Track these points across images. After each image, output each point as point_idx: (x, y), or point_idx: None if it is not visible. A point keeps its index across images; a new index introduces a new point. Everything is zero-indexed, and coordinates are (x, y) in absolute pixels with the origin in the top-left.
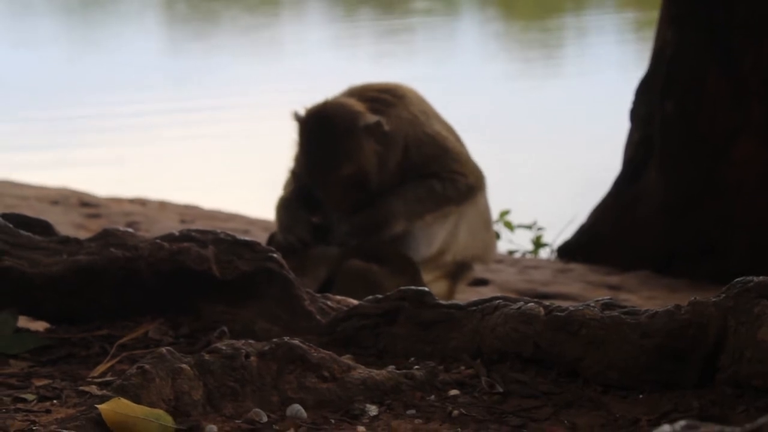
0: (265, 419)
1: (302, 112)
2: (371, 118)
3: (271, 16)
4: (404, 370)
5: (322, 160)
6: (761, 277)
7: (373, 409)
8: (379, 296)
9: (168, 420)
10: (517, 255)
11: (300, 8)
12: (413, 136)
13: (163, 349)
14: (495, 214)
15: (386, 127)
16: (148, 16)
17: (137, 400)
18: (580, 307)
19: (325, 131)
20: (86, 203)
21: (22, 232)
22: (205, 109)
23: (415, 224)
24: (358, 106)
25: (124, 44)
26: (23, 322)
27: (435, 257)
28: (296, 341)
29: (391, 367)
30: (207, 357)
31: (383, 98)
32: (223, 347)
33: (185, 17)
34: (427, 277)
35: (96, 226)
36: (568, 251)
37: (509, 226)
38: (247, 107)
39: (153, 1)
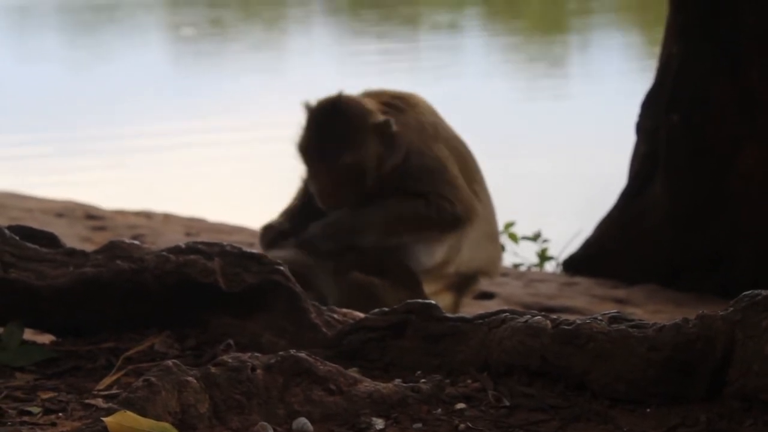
0: None
1: (313, 102)
2: (381, 117)
3: (277, 32)
4: (411, 384)
5: (325, 146)
6: None
7: (379, 423)
8: (386, 309)
9: None
10: (523, 268)
11: (306, 24)
12: (416, 145)
13: (170, 362)
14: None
15: (394, 128)
16: (153, 32)
17: (143, 413)
18: (588, 321)
19: (334, 119)
20: (91, 216)
21: (29, 244)
22: (210, 122)
23: (390, 241)
24: (370, 104)
25: (129, 59)
26: (29, 334)
27: (437, 268)
28: (303, 354)
29: (397, 381)
30: (213, 370)
31: (395, 104)
32: (230, 360)
33: (188, 30)
34: (430, 288)
35: (101, 239)
36: (573, 264)
37: (514, 238)
38: (252, 121)
39: (159, 17)
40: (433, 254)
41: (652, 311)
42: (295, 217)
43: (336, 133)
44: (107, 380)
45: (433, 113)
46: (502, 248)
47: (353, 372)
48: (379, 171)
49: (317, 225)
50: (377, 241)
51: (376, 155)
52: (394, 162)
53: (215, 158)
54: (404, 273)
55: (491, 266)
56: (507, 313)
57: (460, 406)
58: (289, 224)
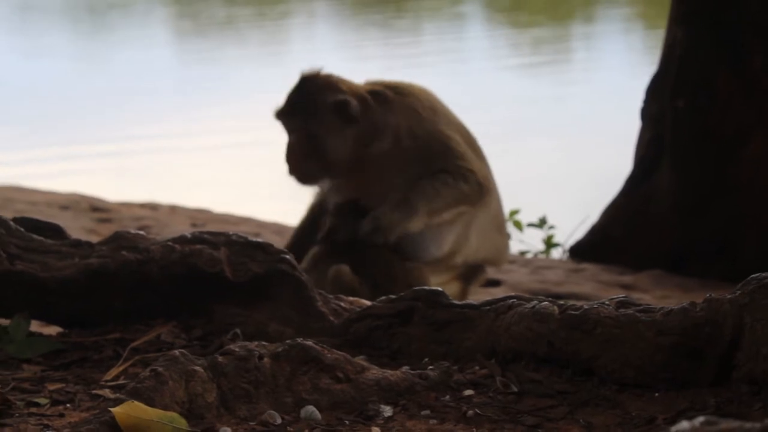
0: (279, 421)
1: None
2: (343, 96)
3: (280, 25)
4: (418, 371)
5: (289, 113)
6: None
7: (387, 410)
8: (393, 296)
9: (182, 422)
10: (529, 255)
11: (309, 11)
12: (406, 128)
13: (176, 352)
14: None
15: (354, 111)
16: (157, 23)
17: (151, 403)
18: (595, 306)
19: (299, 90)
20: (97, 208)
21: (34, 236)
22: (214, 113)
23: (434, 220)
24: (347, 86)
25: (133, 51)
26: (36, 326)
27: (445, 258)
28: (310, 342)
29: (405, 368)
30: (220, 359)
31: (387, 92)
32: (237, 349)
33: (194, 24)
34: (438, 279)
35: (107, 231)
36: (580, 251)
37: (518, 225)
38: (256, 111)
39: (162, 8)
40: (441, 245)
41: (660, 297)
42: (305, 234)
43: (298, 102)
44: (114, 371)
45: (432, 100)
46: (508, 236)
47: (360, 360)
48: (359, 153)
49: (367, 220)
50: (424, 225)
51: (337, 133)
52: (377, 145)
53: (220, 149)
54: (392, 278)
55: (498, 255)
56: (514, 300)
57: (468, 392)
58: (295, 242)
